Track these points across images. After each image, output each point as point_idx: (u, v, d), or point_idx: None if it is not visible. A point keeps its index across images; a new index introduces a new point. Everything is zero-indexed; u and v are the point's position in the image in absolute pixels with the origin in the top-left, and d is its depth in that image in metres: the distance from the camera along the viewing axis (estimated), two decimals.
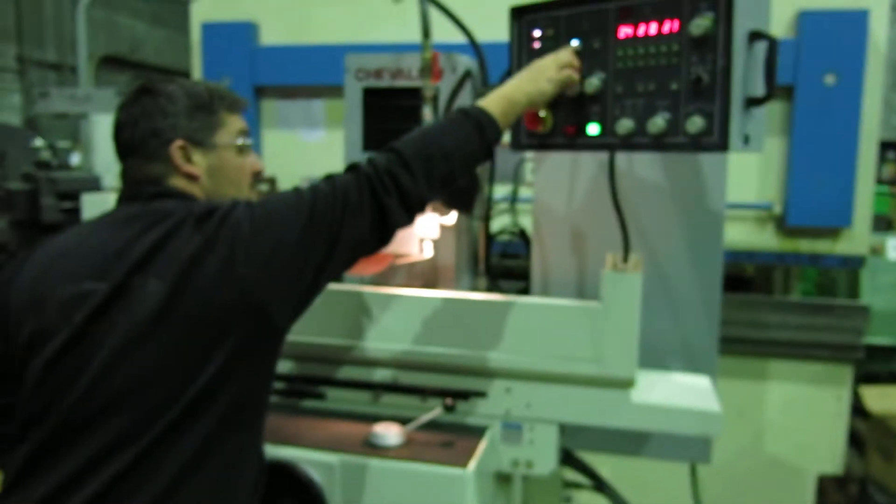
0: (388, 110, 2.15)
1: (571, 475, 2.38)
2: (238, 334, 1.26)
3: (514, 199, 2.29)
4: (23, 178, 4.14)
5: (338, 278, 1.42)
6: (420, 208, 1.43)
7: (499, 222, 2.48)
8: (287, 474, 1.59)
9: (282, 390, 1.92)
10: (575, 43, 1.58)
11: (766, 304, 3.42)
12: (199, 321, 1.24)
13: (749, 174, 3.48)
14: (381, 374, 1.86)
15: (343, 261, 1.37)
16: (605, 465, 3.93)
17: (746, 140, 1.49)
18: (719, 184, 1.95)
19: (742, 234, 3.64)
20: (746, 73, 1.46)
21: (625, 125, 1.54)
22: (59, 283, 1.30)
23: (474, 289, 2.29)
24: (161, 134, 1.37)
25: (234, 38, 4.00)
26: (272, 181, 3.32)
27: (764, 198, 3.33)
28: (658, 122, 1.49)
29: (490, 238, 2.35)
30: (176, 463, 1.23)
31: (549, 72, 1.54)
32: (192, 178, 1.41)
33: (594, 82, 1.56)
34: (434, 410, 1.72)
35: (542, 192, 2.08)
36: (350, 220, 1.34)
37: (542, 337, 1.72)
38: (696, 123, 1.45)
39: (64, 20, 9.02)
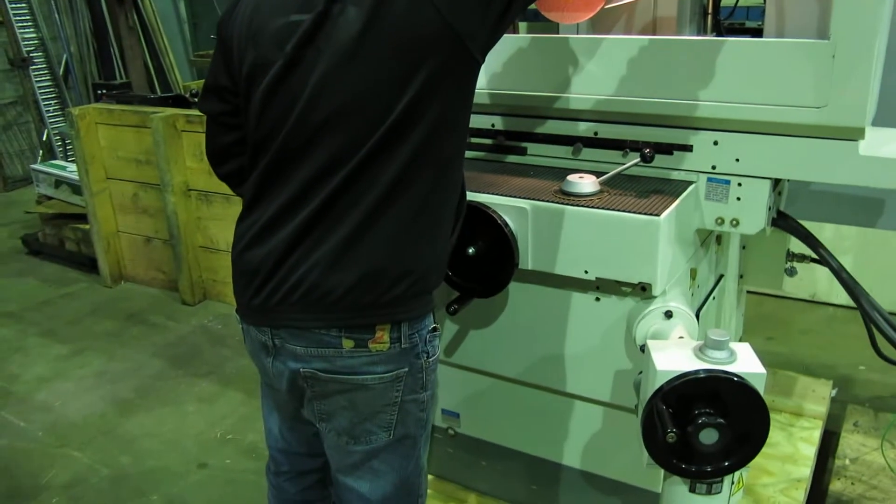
0: None
1: (798, 247, 2.22)
2: (434, 59, 1.26)
3: None
4: None
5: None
6: None
7: None
8: (481, 215, 1.63)
9: (481, 145, 1.95)
10: None
11: None
12: (396, 45, 1.26)
13: None
14: (582, 128, 1.80)
15: None
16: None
17: None
18: None
19: None
20: None
21: None
22: (270, 15, 1.35)
23: None
24: None
25: None
26: None
27: None
28: None
29: None
30: (384, 183, 1.30)
31: None
32: None
33: None
34: (632, 161, 1.65)
35: None
36: None
37: (754, 81, 1.54)
38: None
39: None
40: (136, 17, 5.82)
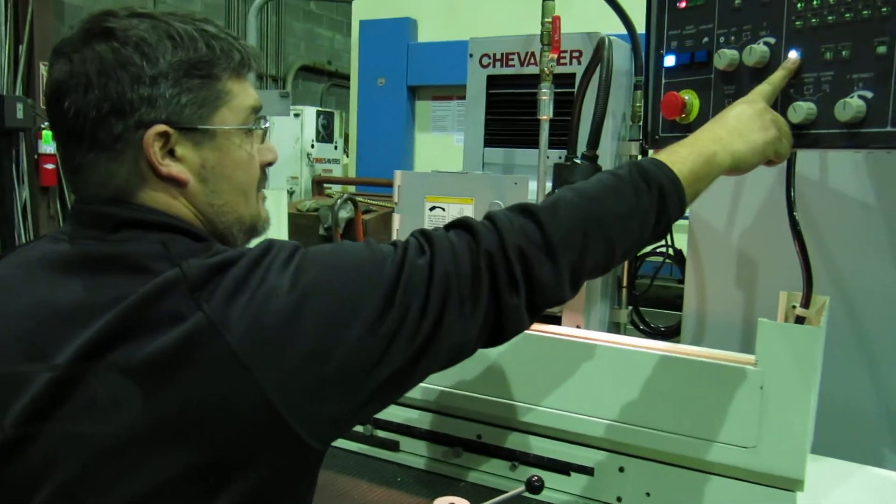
0: (515, 103, 1.84)
1: None
2: (254, 466, 0.83)
3: None
4: None
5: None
6: (551, 307, 0.97)
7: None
8: None
9: (350, 433, 1.60)
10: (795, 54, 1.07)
11: None
12: (195, 446, 0.81)
13: None
14: (464, 428, 1.47)
15: (431, 364, 0.90)
16: None
17: None
18: None
19: None
20: None
21: (802, 110, 1.06)
22: None
23: (610, 322, 1.84)
24: (129, 112, 0.86)
25: (390, 35, 3.81)
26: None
27: None
28: (853, 105, 1.00)
29: (637, 258, 1.90)
30: None
31: (765, 115, 1.05)
32: (176, 183, 0.90)
33: (759, 49, 1.09)
34: (516, 489, 1.30)
35: (700, 203, 1.61)
36: (450, 319, 0.87)
37: (667, 402, 1.25)
38: None
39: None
40: None
